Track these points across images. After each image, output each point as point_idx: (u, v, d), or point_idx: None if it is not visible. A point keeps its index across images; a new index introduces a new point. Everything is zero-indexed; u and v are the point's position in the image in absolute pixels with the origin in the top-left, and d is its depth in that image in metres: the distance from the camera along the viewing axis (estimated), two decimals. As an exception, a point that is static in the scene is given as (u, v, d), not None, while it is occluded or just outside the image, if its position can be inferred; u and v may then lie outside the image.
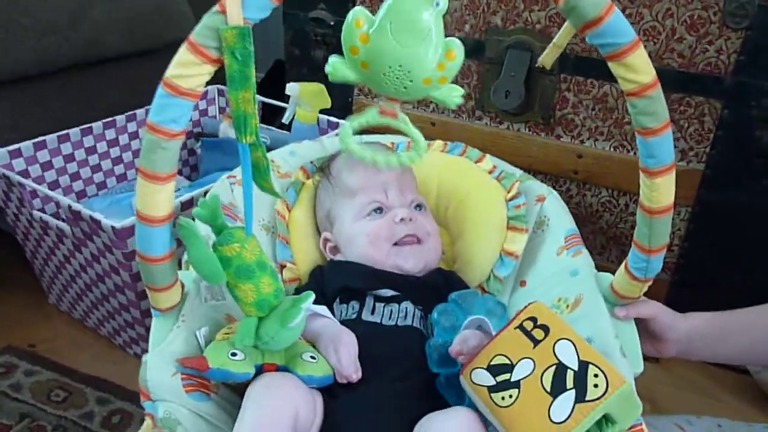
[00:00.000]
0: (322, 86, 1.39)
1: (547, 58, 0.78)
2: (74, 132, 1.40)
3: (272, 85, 1.87)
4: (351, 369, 0.73)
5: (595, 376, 0.62)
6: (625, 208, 1.31)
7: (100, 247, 1.14)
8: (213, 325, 0.82)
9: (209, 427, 0.75)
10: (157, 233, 0.68)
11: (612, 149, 1.27)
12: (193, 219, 0.72)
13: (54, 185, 1.40)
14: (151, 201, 0.65)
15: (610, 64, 0.61)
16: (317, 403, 0.73)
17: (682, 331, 0.86)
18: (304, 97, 1.37)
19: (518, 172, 1.07)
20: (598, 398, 0.61)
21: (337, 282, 0.88)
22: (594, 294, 0.82)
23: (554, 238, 0.95)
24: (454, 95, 0.64)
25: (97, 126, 1.44)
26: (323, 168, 1.03)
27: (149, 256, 0.70)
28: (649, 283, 0.76)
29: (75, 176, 1.44)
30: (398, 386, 0.75)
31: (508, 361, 0.67)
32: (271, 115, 1.64)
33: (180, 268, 0.77)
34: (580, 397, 0.61)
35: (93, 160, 1.47)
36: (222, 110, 1.70)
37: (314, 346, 0.78)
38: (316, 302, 0.81)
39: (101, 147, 1.48)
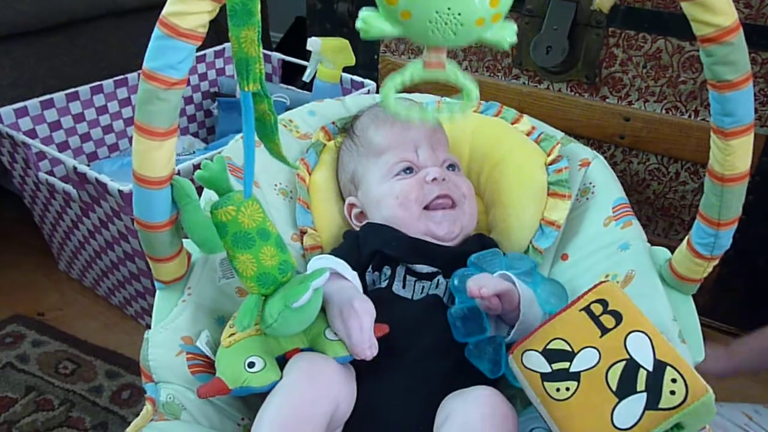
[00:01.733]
0: (346, 42, 1.29)
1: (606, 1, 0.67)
2: (83, 90, 1.34)
3: (293, 43, 1.77)
4: (363, 344, 0.64)
5: (673, 381, 0.54)
6: (676, 176, 1.20)
7: (108, 212, 1.07)
8: (223, 298, 0.75)
9: (218, 412, 0.69)
10: (156, 197, 0.61)
11: (664, 111, 1.16)
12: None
13: (63, 146, 1.33)
14: (148, 160, 0.59)
15: (683, 5, 0.53)
16: (354, 387, 0.66)
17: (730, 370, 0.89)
18: (326, 54, 1.27)
19: (559, 134, 0.98)
20: (674, 407, 0.53)
21: (373, 244, 0.80)
22: (648, 270, 0.74)
23: (601, 207, 0.86)
24: (507, 34, 0.54)
25: (107, 84, 1.37)
26: (346, 128, 0.96)
27: (148, 222, 0.63)
28: (715, 261, 0.68)
29: (85, 137, 1.38)
30: (428, 362, 0.69)
31: (568, 348, 0.59)
32: (291, 75, 1.55)
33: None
34: (653, 404, 0.53)
35: (104, 120, 1.40)
36: (240, 69, 1.60)
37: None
38: (350, 265, 0.74)
39: (113, 106, 1.40)
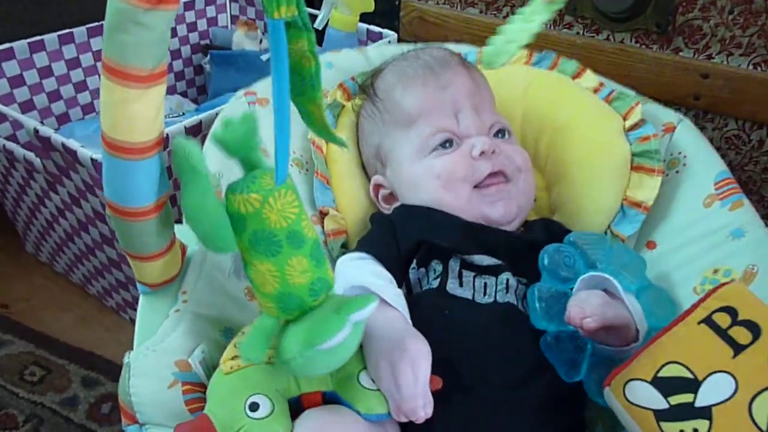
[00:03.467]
0: (365, -17, 1.09)
1: None
2: (50, 39, 1.13)
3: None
4: (416, 401, 0.49)
5: None
6: (759, 145, 1.03)
7: (80, 186, 0.88)
8: (230, 303, 0.58)
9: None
10: (137, 170, 0.45)
11: (752, 67, 0.98)
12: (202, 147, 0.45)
13: (27, 106, 1.13)
14: (125, 116, 0.43)
15: None
16: None
17: None
18: (342, -4, 1.07)
19: (631, 92, 0.81)
20: None
21: (415, 233, 0.64)
22: None
23: (698, 183, 0.71)
24: None
25: (79, 32, 1.16)
26: (365, 88, 0.78)
27: (126, 207, 0.47)
28: None
29: (54, 95, 1.18)
30: (513, 396, 0.54)
31: (689, 374, 0.47)
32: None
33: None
34: None
35: (76, 75, 1.20)
36: (235, 18, 1.42)
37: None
38: (388, 265, 0.59)
39: (86, 59, 1.20)
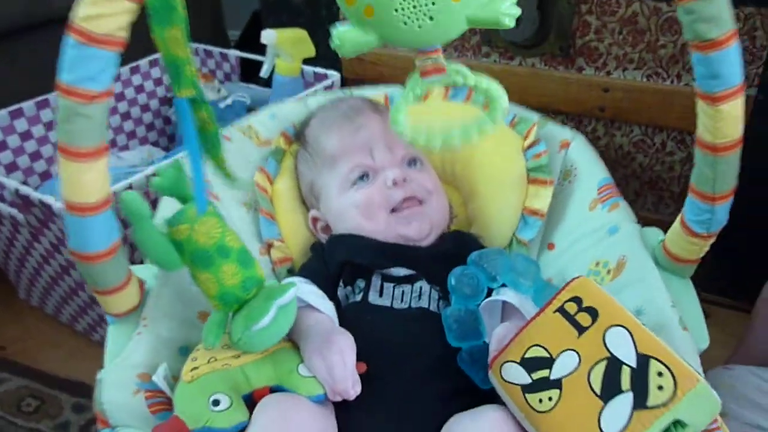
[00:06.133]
0: (304, 32, 1.23)
1: None
2: (28, 106, 1.25)
3: (252, 39, 1.69)
4: (347, 383, 0.58)
5: (659, 374, 0.50)
6: (662, 147, 1.14)
7: (58, 235, 1.00)
8: (184, 326, 0.69)
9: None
10: (91, 224, 0.56)
11: (645, 79, 1.10)
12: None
13: (11, 167, 1.24)
14: (78, 184, 0.54)
15: None
16: (334, 428, 0.60)
17: None
18: (283, 46, 1.21)
19: (535, 115, 0.91)
20: (663, 404, 0.49)
21: (339, 256, 0.74)
22: (641, 254, 0.69)
23: (585, 190, 0.81)
24: (503, 7, 0.47)
25: (54, 98, 1.27)
26: (299, 135, 0.89)
27: (86, 252, 0.58)
28: (712, 239, 0.63)
29: (35, 156, 1.29)
30: (420, 386, 0.63)
31: (546, 354, 0.55)
32: (252, 72, 1.47)
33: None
34: (640, 403, 0.49)
35: (54, 136, 1.31)
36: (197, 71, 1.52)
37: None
38: (320, 284, 0.69)
39: (62, 120, 1.31)
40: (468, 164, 0.88)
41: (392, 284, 0.72)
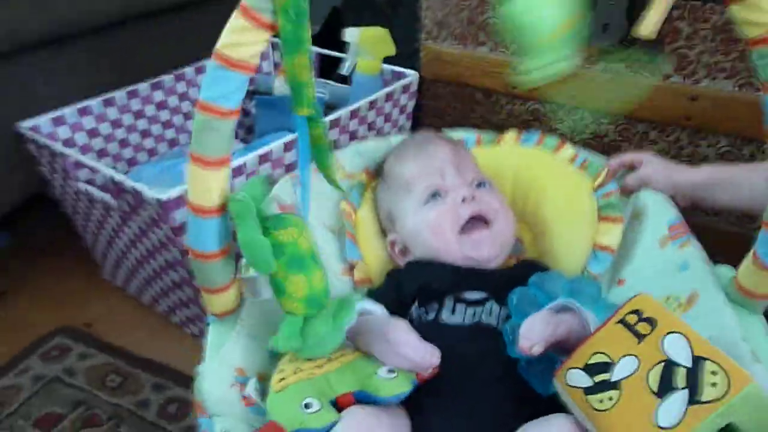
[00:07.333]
0: (385, 31, 1.24)
1: (649, 22, 0.58)
2: (120, 95, 1.32)
3: (330, 35, 1.72)
4: (426, 352, 0.62)
5: (713, 373, 0.53)
6: (751, 158, 1.10)
7: (147, 221, 1.04)
8: (272, 331, 0.72)
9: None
10: (210, 225, 0.63)
11: (736, 88, 1.06)
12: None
13: (102, 153, 1.31)
14: (201, 188, 0.61)
15: (731, 8, 0.52)
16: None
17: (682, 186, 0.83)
18: (365, 44, 1.23)
19: (603, 159, 0.92)
20: (716, 399, 0.51)
21: (414, 283, 0.78)
22: (712, 288, 0.70)
23: (655, 228, 0.82)
24: None
25: (143, 88, 1.34)
26: (378, 170, 0.95)
27: (201, 251, 0.64)
28: None
29: (123, 143, 1.36)
30: (490, 390, 0.66)
31: (607, 360, 0.59)
32: (330, 69, 1.49)
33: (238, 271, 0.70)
34: (694, 398, 0.52)
35: (142, 124, 1.38)
36: (276, 66, 1.57)
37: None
38: (391, 308, 0.73)
39: (149, 110, 1.38)
40: (540, 202, 0.90)
41: (464, 305, 0.75)
